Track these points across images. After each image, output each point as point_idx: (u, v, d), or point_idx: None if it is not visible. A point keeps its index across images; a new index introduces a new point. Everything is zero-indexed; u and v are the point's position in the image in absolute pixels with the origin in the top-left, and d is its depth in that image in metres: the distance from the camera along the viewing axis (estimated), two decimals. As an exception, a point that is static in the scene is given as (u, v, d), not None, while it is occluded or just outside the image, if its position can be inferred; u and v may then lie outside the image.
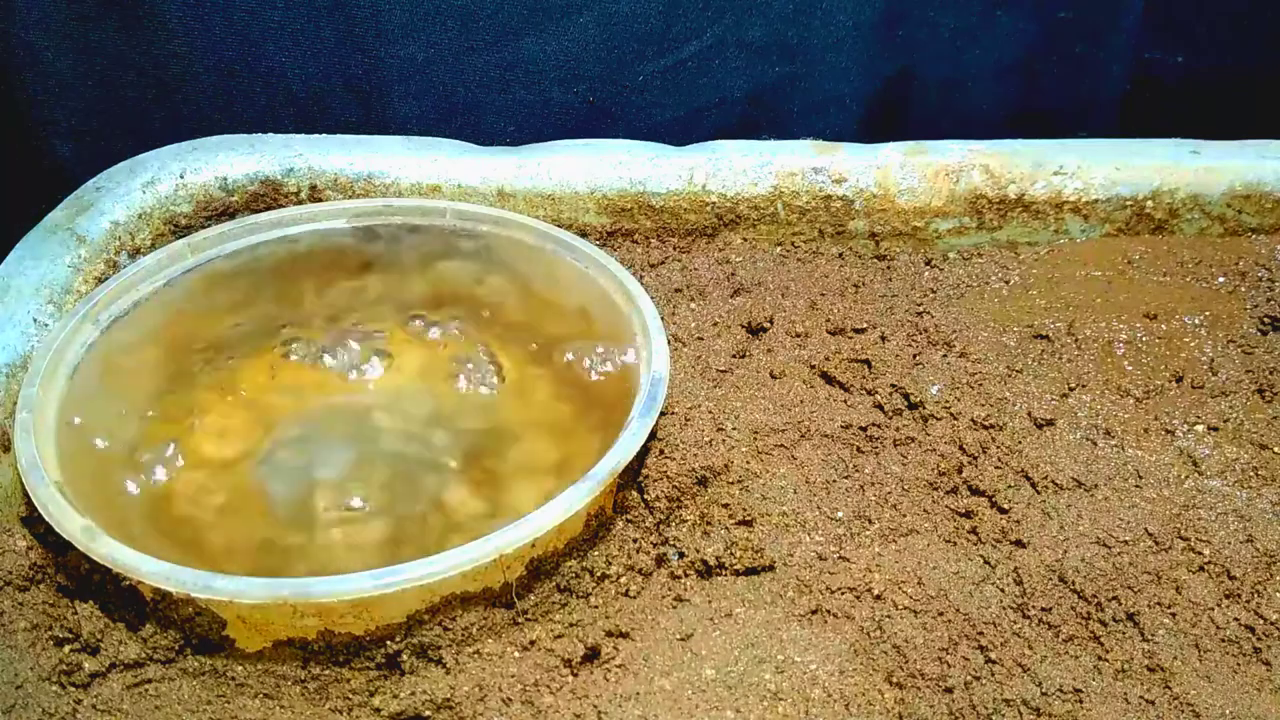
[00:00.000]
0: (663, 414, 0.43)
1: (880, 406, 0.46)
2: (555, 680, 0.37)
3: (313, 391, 0.46)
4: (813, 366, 0.48)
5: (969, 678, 0.37)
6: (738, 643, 0.38)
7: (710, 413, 0.45)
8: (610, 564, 0.40)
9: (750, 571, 0.41)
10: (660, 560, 0.41)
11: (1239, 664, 0.38)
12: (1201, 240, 0.54)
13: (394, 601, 0.36)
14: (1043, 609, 0.39)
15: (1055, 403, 0.46)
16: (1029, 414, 0.45)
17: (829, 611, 0.39)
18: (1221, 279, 0.52)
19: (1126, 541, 0.40)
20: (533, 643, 0.37)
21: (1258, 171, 0.53)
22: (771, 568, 0.41)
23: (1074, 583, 0.39)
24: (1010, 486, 0.43)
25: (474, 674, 0.37)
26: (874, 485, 0.44)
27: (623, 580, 0.40)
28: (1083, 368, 0.47)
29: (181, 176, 0.52)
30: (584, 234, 0.52)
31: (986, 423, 0.45)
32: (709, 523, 0.42)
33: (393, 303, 0.50)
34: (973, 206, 0.54)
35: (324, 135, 0.54)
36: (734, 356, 0.48)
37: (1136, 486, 0.42)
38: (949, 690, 0.37)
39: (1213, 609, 0.39)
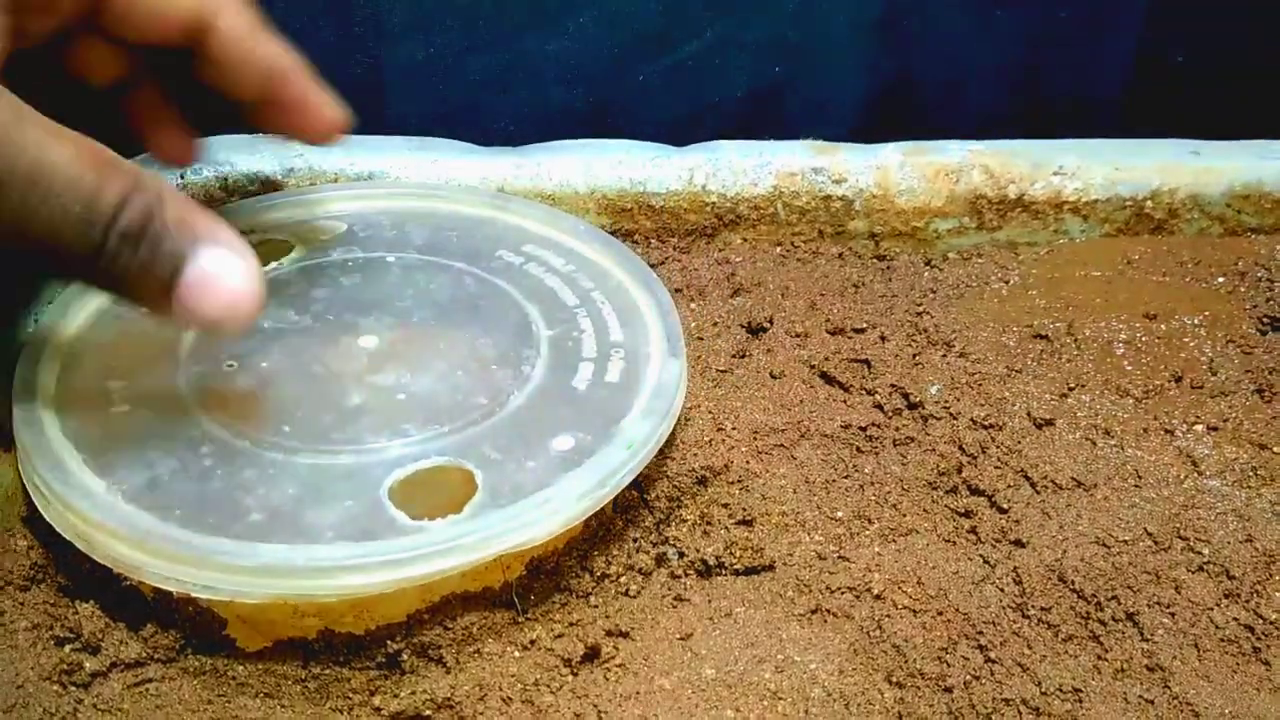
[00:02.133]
0: (663, 414, 0.43)
1: (880, 406, 0.46)
2: (555, 680, 0.37)
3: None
4: (813, 366, 0.48)
5: (969, 677, 0.37)
6: (738, 642, 0.38)
7: (710, 413, 0.45)
8: (610, 564, 0.40)
9: (750, 571, 0.41)
10: (660, 560, 0.41)
11: (1239, 664, 0.38)
12: (1201, 240, 0.54)
13: (394, 601, 0.36)
14: (1042, 609, 0.39)
15: (1055, 403, 0.46)
16: (1029, 414, 0.45)
17: (829, 611, 0.39)
18: (1221, 279, 0.52)
19: (1126, 541, 0.40)
20: (533, 642, 0.37)
21: (1258, 171, 0.53)
22: (771, 567, 0.41)
23: (1074, 582, 0.39)
24: (1010, 486, 0.43)
25: (474, 674, 0.37)
26: (874, 485, 0.44)
27: (623, 580, 0.40)
28: (1082, 368, 0.47)
29: (181, 176, 0.52)
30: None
31: (986, 423, 0.45)
32: (709, 523, 0.42)
33: None
34: (973, 206, 0.54)
35: (324, 135, 0.54)
36: (734, 356, 0.48)
37: (1136, 486, 0.43)
38: (949, 690, 0.37)
39: (1212, 609, 0.39)
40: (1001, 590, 0.40)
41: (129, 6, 0.38)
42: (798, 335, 0.49)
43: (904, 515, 0.43)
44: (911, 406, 0.46)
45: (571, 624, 0.38)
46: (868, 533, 0.42)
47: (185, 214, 0.35)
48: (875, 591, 0.40)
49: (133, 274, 0.34)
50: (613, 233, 0.53)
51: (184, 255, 0.34)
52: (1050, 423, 0.45)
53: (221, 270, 0.35)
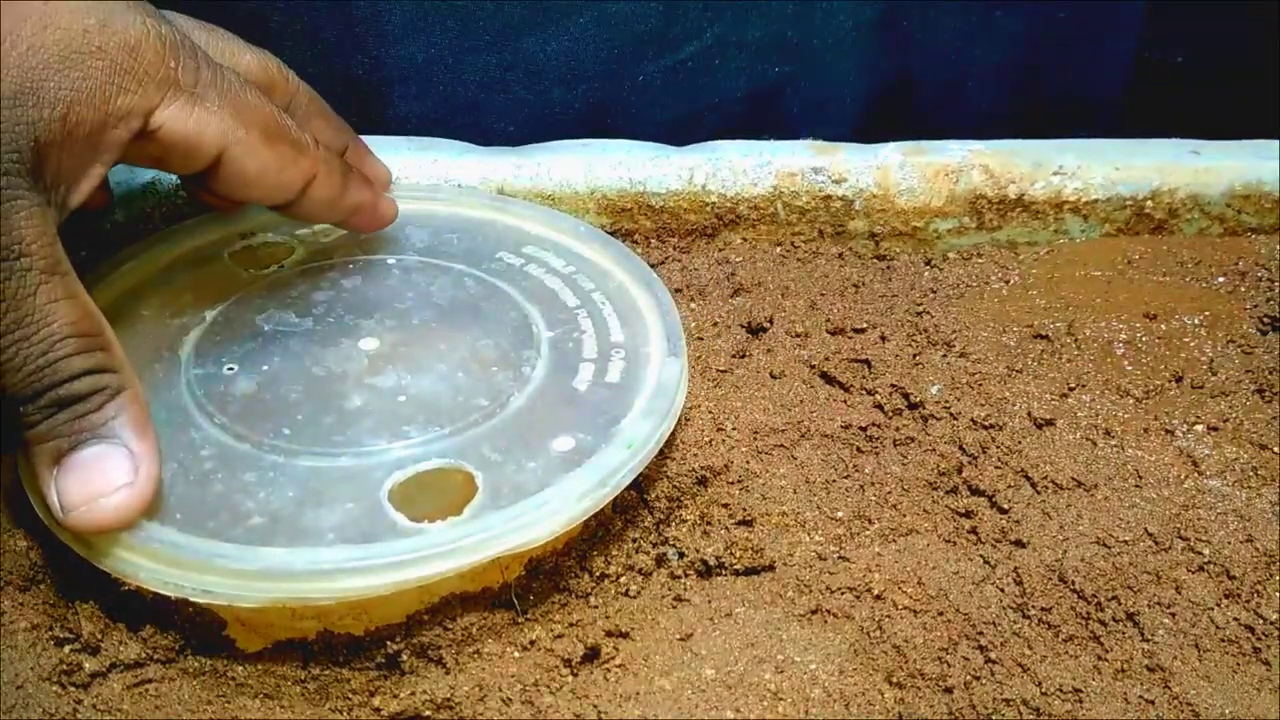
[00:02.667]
0: (663, 414, 0.43)
1: (880, 406, 0.46)
2: (555, 680, 0.37)
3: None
4: (813, 366, 0.48)
5: (969, 678, 0.37)
6: (738, 643, 0.38)
7: (710, 413, 0.45)
8: (610, 564, 0.40)
9: (750, 571, 0.41)
10: (660, 560, 0.41)
11: (1239, 664, 0.38)
12: (1201, 240, 0.54)
13: (394, 602, 0.36)
14: (1043, 609, 0.39)
15: (1055, 403, 0.46)
16: (1029, 414, 0.45)
17: (829, 611, 0.39)
18: (1221, 279, 0.52)
19: (1126, 541, 0.40)
20: (533, 643, 0.37)
21: (1258, 171, 0.53)
22: (771, 568, 0.41)
23: (1074, 583, 0.39)
24: (1010, 486, 0.43)
25: (474, 674, 0.37)
26: (874, 485, 0.44)
27: (622, 580, 0.40)
28: (1083, 368, 0.47)
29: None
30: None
31: (986, 423, 0.45)
32: (709, 523, 0.42)
33: None
34: (973, 206, 0.54)
35: (324, 135, 0.54)
36: (734, 356, 0.48)
37: (1136, 486, 0.43)
38: (949, 690, 0.37)
39: (1212, 609, 0.39)
40: (1002, 590, 0.40)
41: (235, 181, 0.40)
42: (798, 335, 0.49)
43: (904, 515, 0.43)
44: (912, 406, 0.46)
45: (571, 624, 0.38)
46: (868, 533, 0.42)
47: (123, 416, 0.36)
48: (875, 592, 0.40)
49: (39, 433, 0.35)
50: (613, 233, 0.53)
51: (85, 440, 0.35)
52: (1051, 423, 0.45)
53: (106, 468, 0.35)
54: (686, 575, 0.41)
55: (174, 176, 0.52)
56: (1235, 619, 0.38)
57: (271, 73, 0.45)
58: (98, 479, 0.35)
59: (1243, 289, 0.51)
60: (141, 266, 0.46)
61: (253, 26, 0.55)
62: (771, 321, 0.49)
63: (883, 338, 0.49)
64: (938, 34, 0.62)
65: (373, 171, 0.49)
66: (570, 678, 0.37)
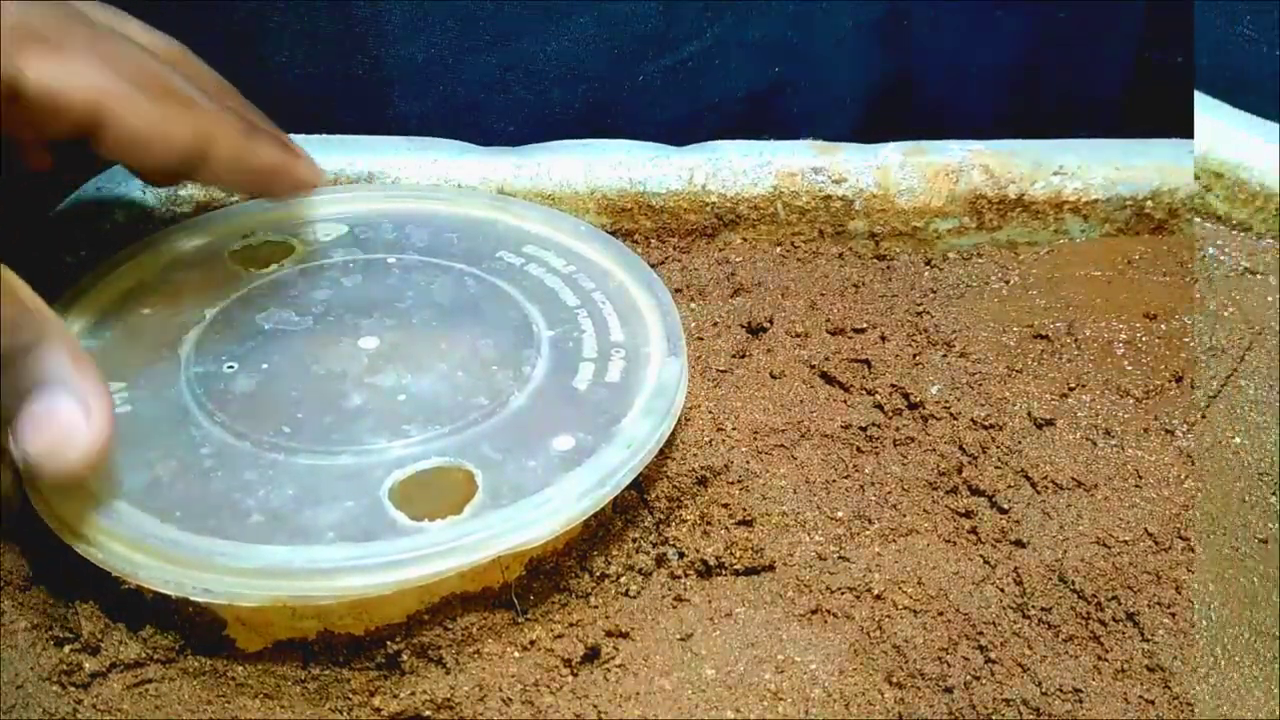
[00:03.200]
0: (663, 414, 0.43)
1: (880, 406, 0.46)
2: (555, 680, 0.37)
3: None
4: (813, 366, 0.48)
5: (969, 678, 0.37)
6: (738, 643, 0.38)
7: (710, 413, 0.45)
8: (610, 564, 0.40)
9: (750, 571, 0.41)
10: (660, 560, 0.41)
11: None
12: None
13: (394, 602, 0.36)
14: (1043, 609, 0.39)
15: (1055, 403, 0.46)
16: (1029, 414, 0.45)
17: (829, 611, 0.39)
18: (1221, 279, 0.52)
19: (1126, 541, 0.40)
20: (533, 643, 0.37)
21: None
22: (771, 568, 0.41)
23: (1074, 583, 0.39)
24: (1010, 486, 0.43)
25: (474, 674, 0.37)
26: (874, 485, 0.44)
27: (622, 580, 0.40)
28: (1083, 368, 0.47)
29: (182, 177, 0.52)
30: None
31: (986, 423, 0.45)
32: (709, 523, 0.42)
33: None
34: (973, 206, 0.54)
35: (324, 135, 0.54)
36: (734, 356, 0.48)
37: (1136, 486, 0.43)
38: (949, 690, 0.37)
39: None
40: (1002, 590, 0.40)
41: (123, 142, 0.38)
42: (798, 335, 0.49)
43: (904, 515, 0.43)
44: (912, 406, 0.46)
45: (571, 624, 0.38)
46: (868, 533, 0.42)
47: (52, 360, 0.34)
48: (875, 592, 0.40)
49: None
50: (613, 233, 0.53)
51: (26, 395, 0.34)
52: (1050, 423, 0.45)
53: (57, 416, 0.34)
54: (686, 575, 0.41)
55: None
56: (1235, 619, 0.38)
57: (174, 55, 0.43)
58: (53, 428, 0.34)
59: (1243, 289, 0.51)
60: (141, 266, 0.46)
61: (253, 26, 0.55)
62: (771, 321, 0.49)
63: (883, 338, 0.49)
64: (938, 34, 0.62)
65: (309, 171, 0.46)
66: (570, 678, 0.37)
